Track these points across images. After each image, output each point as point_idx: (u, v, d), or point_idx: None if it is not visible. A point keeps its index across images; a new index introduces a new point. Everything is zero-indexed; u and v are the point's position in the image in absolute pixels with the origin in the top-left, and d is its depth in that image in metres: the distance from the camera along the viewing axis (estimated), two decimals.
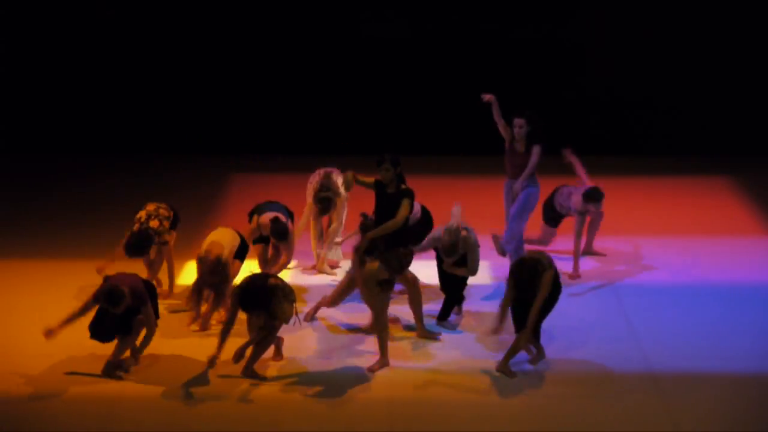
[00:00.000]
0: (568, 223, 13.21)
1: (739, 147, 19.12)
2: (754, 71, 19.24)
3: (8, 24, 19.41)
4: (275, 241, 12.09)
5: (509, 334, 10.72)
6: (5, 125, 19.65)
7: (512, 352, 10.53)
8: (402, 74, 19.06)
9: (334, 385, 10.35)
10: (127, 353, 10.70)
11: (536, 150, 12.75)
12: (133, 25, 19.38)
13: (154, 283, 11.81)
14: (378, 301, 10.65)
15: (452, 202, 13.37)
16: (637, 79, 19.31)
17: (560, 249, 13.42)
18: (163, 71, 19.33)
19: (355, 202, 12.85)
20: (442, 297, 11.85)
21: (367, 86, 17.89)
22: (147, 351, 10.87)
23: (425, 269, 12.02)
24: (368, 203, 11.38)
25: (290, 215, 12.27)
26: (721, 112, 19.29)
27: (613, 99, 19.35)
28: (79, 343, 11.18)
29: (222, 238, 11.49)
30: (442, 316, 11.75)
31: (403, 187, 11.13)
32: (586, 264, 13.58)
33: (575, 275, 13.02)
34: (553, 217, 13.40)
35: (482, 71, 18.98)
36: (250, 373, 10.47)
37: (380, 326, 10.69)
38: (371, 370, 10.64)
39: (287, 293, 10.37)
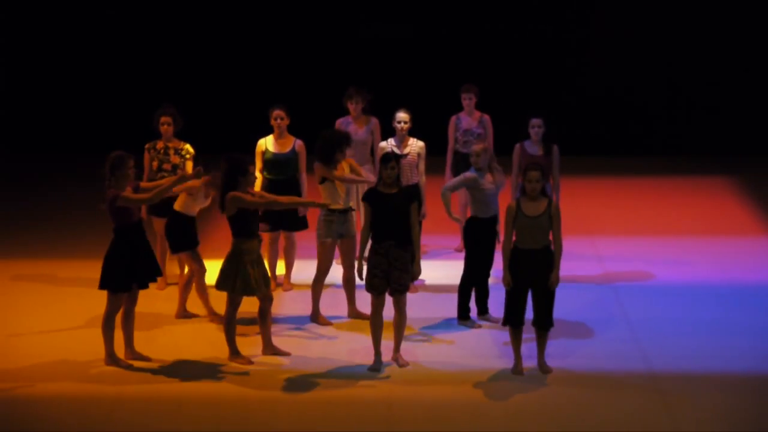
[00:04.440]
0: None
1: (739, 147, 19.15)
2: (755, 72, 19.26)
3: (8, 25, 19.43)
4: None
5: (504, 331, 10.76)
6: (5, 125, 19.68)
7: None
8: (402, 74, 19.08)
9: (334, 385, 10.35)
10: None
11: (557, 150, 12.70)
12: (133, 26, 19.42)
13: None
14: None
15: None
16: (638, 79, 19.34)
17: None
18: (163, 71, 19.35)
19: None
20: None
21: (366, 86, 17.86)
22: (147, 350, 10.92)
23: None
24: None
25: None
26: (722, 112, 19.31)
27: (613, 99, 19.37)
28: (79, 343, 11.21)
29: None
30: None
31: (404, 185, 10.95)
32: (586, 263, 13.59)
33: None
34: None
35: (483, 71, 18.99)
36: None
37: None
38: (373, 369, 10.64)
39: None
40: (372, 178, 11.93)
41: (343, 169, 11.64)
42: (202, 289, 11.86)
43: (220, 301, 11.20)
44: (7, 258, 14.01)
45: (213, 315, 11.86)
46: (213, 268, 11.39)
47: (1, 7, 19.29)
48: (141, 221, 10.76)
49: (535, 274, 10.41)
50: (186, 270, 12.04)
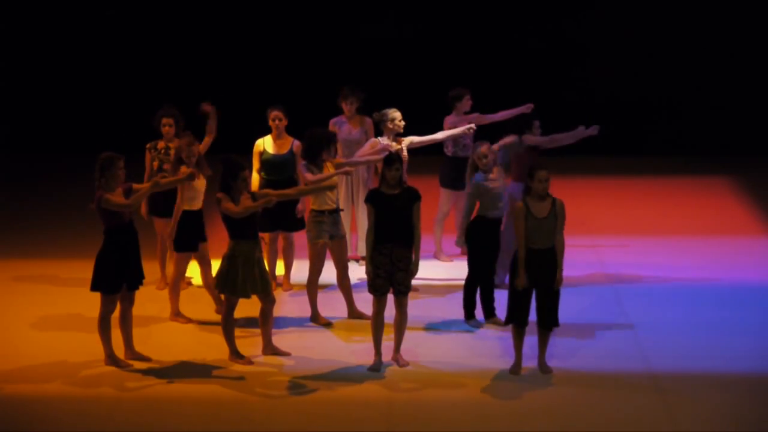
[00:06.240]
0: None
1: (739, 147, 19.15)
2: (755, 71, 19.26)
3: (9, 25, 19.43)
4: None
5: (507, 331, 10.77)
6: (5, 125, 19.68)
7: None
8: (401, 75, 19.09)
9: (334, 385, 10.35)
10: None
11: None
12: (133, 26, 19.42)
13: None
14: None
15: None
16: (638, 79, 19.33)
17: None
18: (164, 72, 19.36)
19: None
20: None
21: (365, 87, 17.91)
22: (146, 350, 10.92)
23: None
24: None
25: None
26: (721, 112, 19.31)
27: (613, 99, 19.36)
28: (79, 344, 11.21)
29: None
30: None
31: (407, 185, 10.89)
32: (587, 264, 13.59)
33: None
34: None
35: (482, 71, 19.01)
36: None
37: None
38: (373, 369, 10.64)
39: None
40: (349, 168, 11.87)
41: (328, 169, 11.64)
42: (176, 290, 11.92)
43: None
44: (7, 258, 14.01)
45: (178, 315, 11.90)
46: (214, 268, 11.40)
47: (1, 7, 19.29)
48: (132, 222, 10.72)
49: (541, 273, 10.40)
50: (171, 271, 12.08)
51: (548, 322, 10.50)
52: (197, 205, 11.84)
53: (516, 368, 10.55)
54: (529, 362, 10.60)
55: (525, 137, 12.55)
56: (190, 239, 11.81)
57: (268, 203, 10.61)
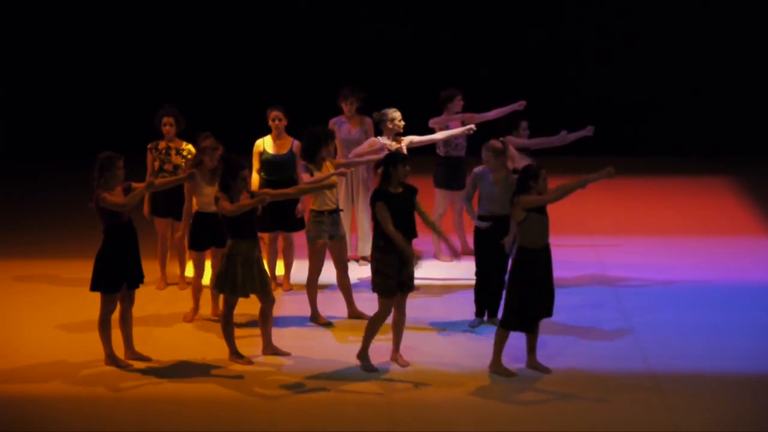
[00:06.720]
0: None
1: (739, 147, 19.15)
2: (755, 71, 19.26)
3: (9, 25, 19.43)
4: None
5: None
6: (5, 125, 19.69)
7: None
8: (402, 75, 19.09)
9: (335, 385, 10.35)
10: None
11: None
12: (133, 26, 19.42)
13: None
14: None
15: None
16: (637, 79, 19.34)
17: None
18: (164, 71, 19.36)
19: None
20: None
21: (365, 87, 17.92)
22: (146, 350, 10.92)
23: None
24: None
25: None
26: (721, 112, 19.31)
27: (613, 99, 19.37)
28: (79, 344, 11.21)
29: None
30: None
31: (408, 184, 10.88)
32: (586, 264, 13.59)
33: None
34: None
35: (481, 71, 19.00)
36: None
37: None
38: (368, 369, 10.64)
39: None
40: (344, 170, 11.82)
41: (328, 168, 11.62)
42: (197, 289, 11.95)
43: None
44: (7, 258, 14.02)
45: (194, 310, 11.94)
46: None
47: (1, 7, 19.30)
48: (131, 221, 10.73)
49: (542, 271, 10.39)
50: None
51: (546, 312, 10.44)
52: (212, 208, 11.77)
53: (501, 367, 10.51)
54: (526, 362, 10.61)
55: (509, 138, 12.53)
56: (201, 239, 11.83)
57: (262, 201, 10.61)
